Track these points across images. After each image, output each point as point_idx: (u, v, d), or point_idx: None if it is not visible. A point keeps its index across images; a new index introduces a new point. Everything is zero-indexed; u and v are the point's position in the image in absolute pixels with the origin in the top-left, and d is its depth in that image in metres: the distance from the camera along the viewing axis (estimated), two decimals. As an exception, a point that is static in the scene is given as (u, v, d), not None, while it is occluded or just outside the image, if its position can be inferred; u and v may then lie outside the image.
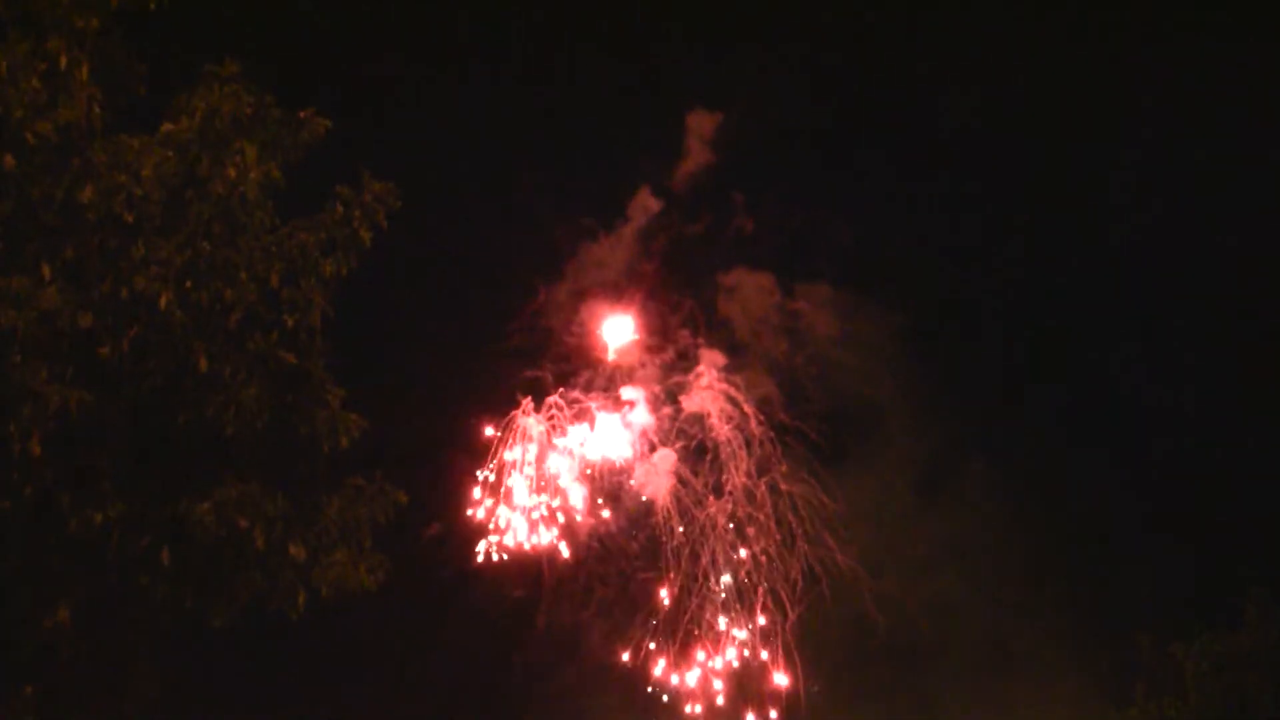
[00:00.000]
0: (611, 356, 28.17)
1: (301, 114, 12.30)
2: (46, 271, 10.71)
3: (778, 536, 27.21)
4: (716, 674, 27.06)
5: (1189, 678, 21.98)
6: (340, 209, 12.32)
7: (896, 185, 30.16)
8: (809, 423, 27.63)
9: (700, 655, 27.13)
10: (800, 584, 27.02)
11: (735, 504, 27.55)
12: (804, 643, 26.89)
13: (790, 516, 27.14)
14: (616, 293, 28.60)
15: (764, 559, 27.09)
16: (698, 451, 28.01)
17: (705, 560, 27.39)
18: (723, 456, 27.80)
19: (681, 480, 27.88)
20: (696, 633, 27.30)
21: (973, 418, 27.44)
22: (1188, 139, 29.00)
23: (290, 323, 11.89)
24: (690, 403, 28.05)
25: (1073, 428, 29.05)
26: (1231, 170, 28.43)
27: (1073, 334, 30.15)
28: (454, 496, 26.92)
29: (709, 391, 28.02)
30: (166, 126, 11.71)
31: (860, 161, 30.81)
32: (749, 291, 28.48)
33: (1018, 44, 29.50)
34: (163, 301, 11.02)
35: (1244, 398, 28.01)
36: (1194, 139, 28.96)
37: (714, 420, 27.95)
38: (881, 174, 30.35)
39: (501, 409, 27.41)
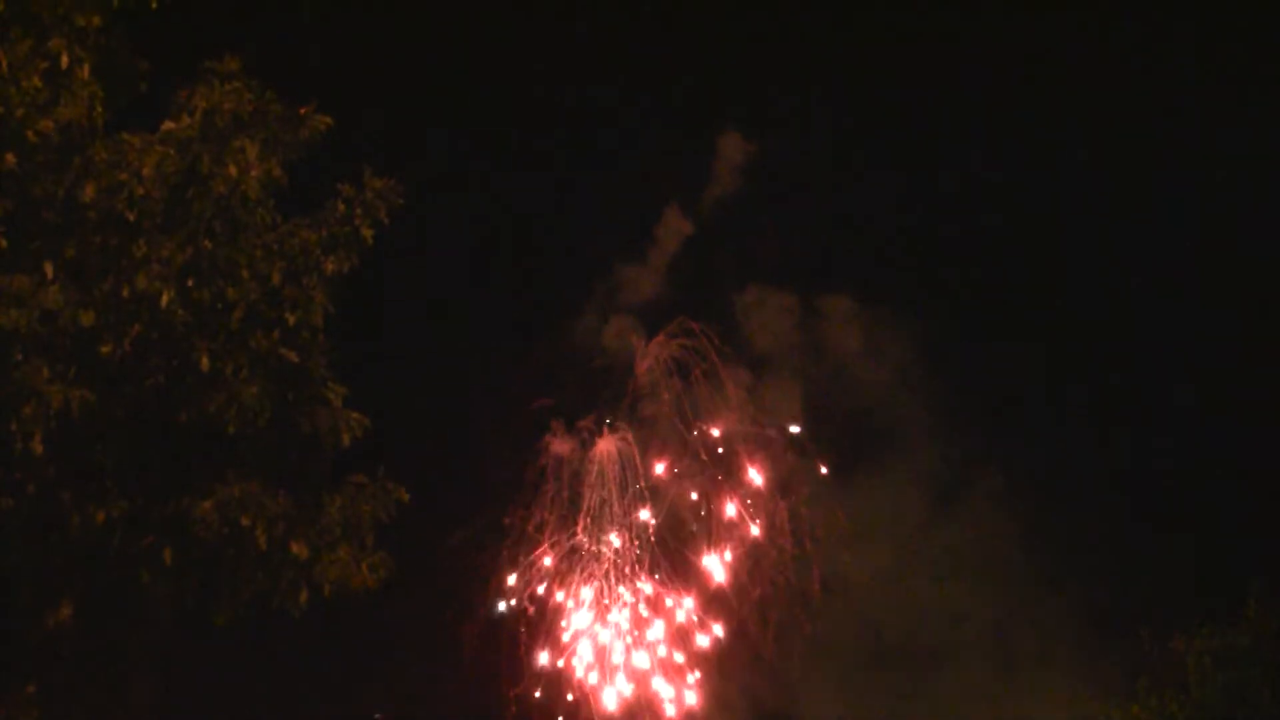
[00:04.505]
0: (634, 375, 28.22)
1: (303, 111, 12.27)
2: (48, 270, 10.70)
3: (795, 551, 27.37)
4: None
5: (1191, 672, 21.94)
6: (342, 206, 12.31)
7: (912, 199, 30.27)
8: (829, 440, 27.82)
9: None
10: (817, 595, 27.22)
11: (757, 521, 27.69)
12: (819, 649, 27.05)
13: (807, 539, 27.34)
14: (639, 308, 28.70)
15: (780, 581, 27.25)
16: (722, 470, 28.12)
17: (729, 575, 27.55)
18: (744, 475, 27.92)
19: (703, 496, 27.98)
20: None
21: (985, 425, 27.56)
22: (1193, 144, 29.10)
23: (292, 321, 11.85)
24: (714, 422, 28.14)
25: (1075, 427, 29.12)
26: (1232, 172, 28.51)
27: (1076, 338, 30.23)
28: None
29: (733, 411, 28.11)
30: (167, 124, 11.67)
31: (878, 177, 30.86)
32: (772, 309, 28.58)
33: (1036, 57, 29.57)
34: (164, 300, 10.99)
35: (1244, 394, 28.08)
36: (1200, 145, 29.08)
37: (737, 440, 28.06)
38: (899, 188, 30.44)
39: (522, 426, 27.59)
